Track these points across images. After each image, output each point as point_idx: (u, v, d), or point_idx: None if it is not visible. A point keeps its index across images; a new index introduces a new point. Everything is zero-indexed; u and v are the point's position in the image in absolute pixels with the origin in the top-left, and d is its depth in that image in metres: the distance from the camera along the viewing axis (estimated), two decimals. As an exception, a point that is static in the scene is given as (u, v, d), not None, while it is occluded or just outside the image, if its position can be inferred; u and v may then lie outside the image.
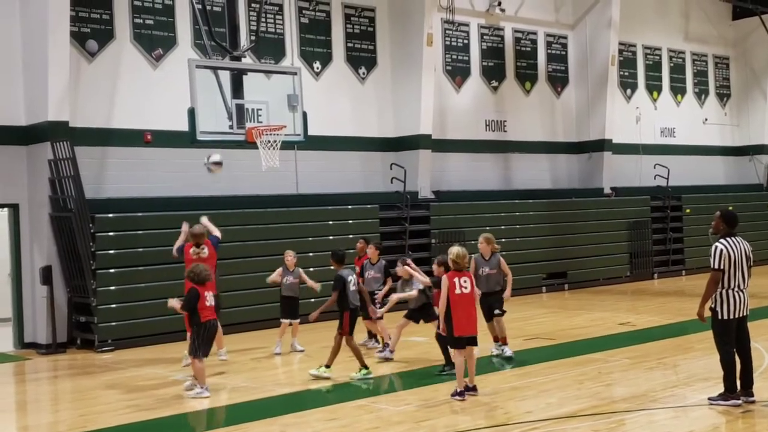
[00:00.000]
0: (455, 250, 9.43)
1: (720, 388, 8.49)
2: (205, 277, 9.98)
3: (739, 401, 8.32)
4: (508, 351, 11.53)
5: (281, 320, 12.63)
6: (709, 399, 8.51)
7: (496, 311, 11.40)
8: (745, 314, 8.42)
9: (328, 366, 10.62)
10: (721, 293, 8.31)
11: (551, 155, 22.17)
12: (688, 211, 23.16)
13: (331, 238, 16.43)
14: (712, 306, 8.38)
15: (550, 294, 19.92)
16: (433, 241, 18.41)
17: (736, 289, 8.29)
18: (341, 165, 18.07)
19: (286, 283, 12.56)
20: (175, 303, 10.03)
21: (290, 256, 12.71)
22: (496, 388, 9.90)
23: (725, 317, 8.33)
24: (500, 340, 11.57)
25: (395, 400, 9.52)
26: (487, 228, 19.12)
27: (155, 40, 15.56)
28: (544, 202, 20.70)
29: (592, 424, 8.07)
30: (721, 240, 8.37)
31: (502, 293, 11.41)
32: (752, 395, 8.40)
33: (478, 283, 10.51)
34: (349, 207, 17.33)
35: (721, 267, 8.26)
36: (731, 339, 8.36)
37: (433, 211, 18.61)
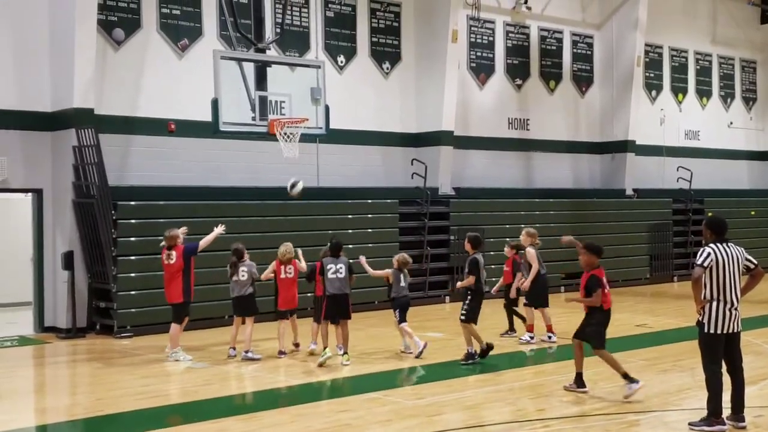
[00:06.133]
0: None
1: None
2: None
3: (725, 427, 7.65)
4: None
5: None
6: (690, 425, 7.80)
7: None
8: (735, 330, 7.72)
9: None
10: (710, 305, 7.67)
11: (574, 155, 22.09)
12: (710, 214, 22.98)
13: (350, 231, 16.48)
14: (699, 318, 7.77)
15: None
16: (452, 237, 18.40)
17: (725, 300, 7.64)
18: (362, 159, 18.11)
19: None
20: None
21: (525, 236, 12.92)
22: (511, 385, 9.92)
23: (712, 331, 7.67)
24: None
25: (409, 394, 9.55)
26: (507, 226, 19.27)
27: (181, 30, 15.67)
28: (565, 201, 20.63)
29: (604, 423, 8.06)
30: (711, 244, 7.73)
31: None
32: (743, 420, 7.72)
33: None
34: (369, 201, 17.37)
35: (705, 265, 7.58)
36: (719, 357, 7.72)
37: (452, 207, 18.61)
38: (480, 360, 10.99)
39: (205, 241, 11.70)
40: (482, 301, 11.17)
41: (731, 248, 7.77)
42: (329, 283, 11.04)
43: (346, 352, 11.10)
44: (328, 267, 11.06)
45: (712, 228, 7.89)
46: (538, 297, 12.82)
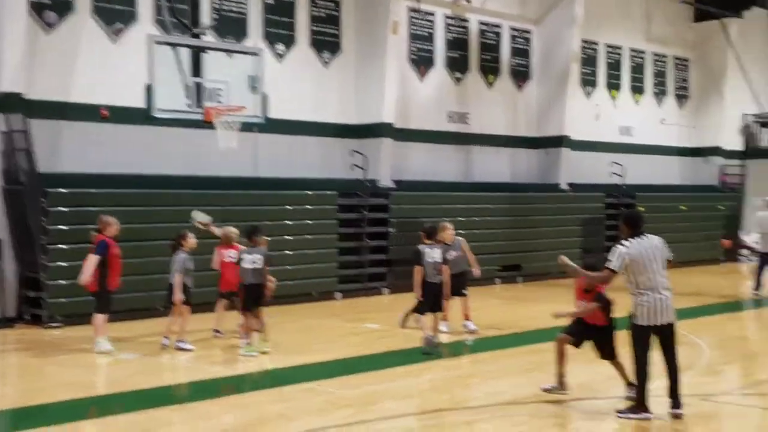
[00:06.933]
0: None
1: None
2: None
3: (650, 415, 7.80)
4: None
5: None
6: (617, 412, 7.99)
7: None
8: (668, 321, 7.81)
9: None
10: (639, 298, 7.76)
11: (512, 149, 22.31)
12: (641, 209, 23.47)
13: (289, 222, 16.38)
14: (631, 311, 7.85)
15: (504, 286, 20.09)
16: (391, 230, 18.43)
17: (652, 289, 7.71)
18: (301, 150, 17.99)
19: (450, 258, 12.00)
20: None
21: (450, 230, 12.40)
22: (444, 374, 9.98)
23: (643, 323, 7.76)
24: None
25: (343, 384, 9.53)
26: (446, 219, 19.34)
27: (116, 14, 15.33)
28: (502, 195, 20.82)
29: (532, 410, 8.17)
30: (623, 241, 7.81)
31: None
32: (679, 407, 7.90)
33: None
34: (308, 192, 17.25)
35: (615, 269, 7.72)
36: (647, 348, 7.80)
37: (392, 200, 18.62)
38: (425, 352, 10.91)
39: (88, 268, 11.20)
40: (432, 291, 11.10)
41: (649, 238, 7.88)
42: (244, 273, 10.88)
43: (266, 340, 11.10)
44: (243, 257, 10.90)
45: (628, 222, 7.98)
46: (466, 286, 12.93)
